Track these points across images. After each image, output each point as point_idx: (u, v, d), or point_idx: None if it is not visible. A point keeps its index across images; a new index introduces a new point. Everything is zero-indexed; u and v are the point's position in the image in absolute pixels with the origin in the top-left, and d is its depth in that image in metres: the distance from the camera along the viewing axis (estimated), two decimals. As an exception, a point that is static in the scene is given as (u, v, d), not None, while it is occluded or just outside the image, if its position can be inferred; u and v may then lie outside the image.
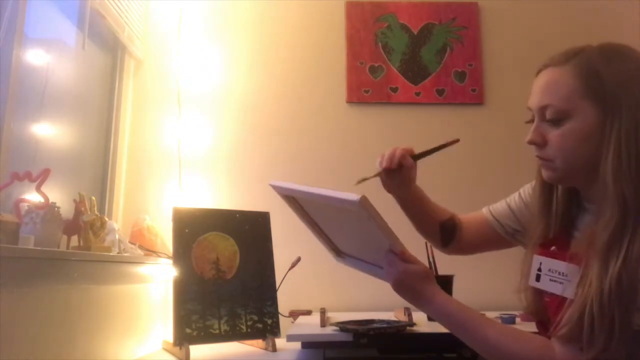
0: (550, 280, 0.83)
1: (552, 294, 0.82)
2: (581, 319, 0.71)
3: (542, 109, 0.80)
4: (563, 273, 0.81)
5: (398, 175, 1.01)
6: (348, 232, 0.96)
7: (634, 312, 0.69)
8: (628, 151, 0.72)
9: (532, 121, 0.84)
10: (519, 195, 1.03)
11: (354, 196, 0.76)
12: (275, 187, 1.00)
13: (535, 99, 0.82)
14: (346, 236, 1.00)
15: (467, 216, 1.10)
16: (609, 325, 0.69)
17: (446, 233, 1.06)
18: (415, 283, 0.83)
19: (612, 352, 0.69)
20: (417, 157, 1.03)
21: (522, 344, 0.78)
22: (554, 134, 0.79)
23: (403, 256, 0.83)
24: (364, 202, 0.76)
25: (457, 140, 1.04)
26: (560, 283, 0.81)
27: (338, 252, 1.05)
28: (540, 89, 0.81)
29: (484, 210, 1.08)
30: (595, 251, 0.73)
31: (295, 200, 1.00)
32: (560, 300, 0.79)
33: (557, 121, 0.78)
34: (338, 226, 0.98)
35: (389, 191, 1.06)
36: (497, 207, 1.06)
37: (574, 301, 0.74)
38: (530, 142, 0.83)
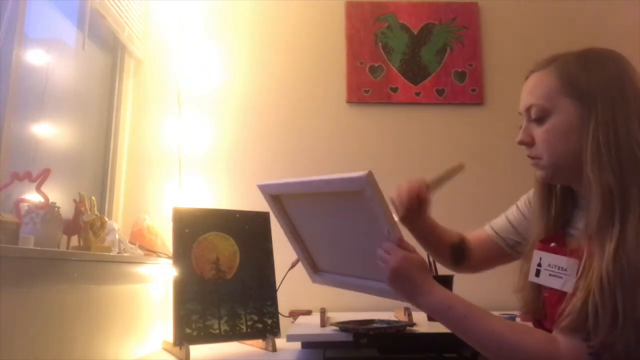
0: (550, 275, 0.83)
1: (551, 289, 0.83)
2: (584, 307, 0.72)
3: (528, 110, 0.86)
4: (563, 267, 0.82)
5: (416, 209, 1.03)
6: (336, 235, 0.93)
7: (638, 298, 0.69)
8: (607, 141, 0.76)
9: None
10: (516, 207, 1.05)
11: (359, 172, 0.76)
12: (262, 187, 0.99)
13: (522, 102, 0.88)
14: (332, 243, 0.97)
15: (473, 235, 1.12)
16: (612, 311, 0.69)
17: (456, 255, 1.09)
18: (415, 272, 0.82)
19: (618, 340, 0.69)
20: (432, 188, 1.05)
21: (527, 336, 0.78)
22: (539, 132, 0.84)
23: (402, 243, 0.82)
24: (369, 178, 0.75)
25: (462, 165, 1.08)
26: (560, 277, 0.82)
27: (315, 269, 1.04)
28: (526, 92, 0.87)
29: (486, 227, 1.10)
30: (592, 241, 0.75)
31: (280, 203, 0.98)
32: (560, 295, 0.80)
33: (540, 119, 0.84)
34: (324, 231, 0.95)
35: (404, 223, 1.06)
36: (498, 222, 1.09)
37: (576, 292, 0.75)
38: (520, 143, 0.87)
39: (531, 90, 0.86)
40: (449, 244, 1.09)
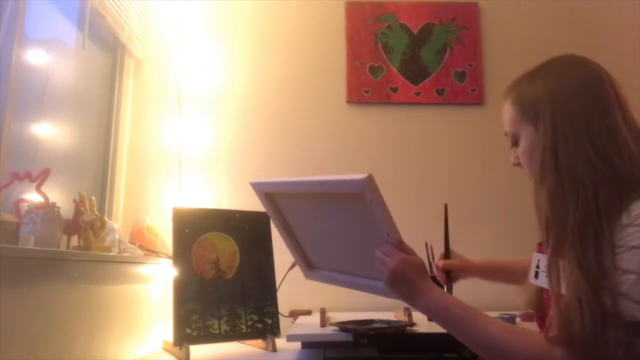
0: (547, 277, 0.83)
1: (549, 291, 0.83)
2: (567, 320, 0.72)
3: (506, 136, 0.92)
4: None
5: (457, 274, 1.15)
6: (331, 235, 0.93)
7: (618, 299, 0.69)
8: (545, 161, 0.79)
9: None
10: None
11: (359, 175, 0.75)
12: (255, 185, 0.97)
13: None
14: (327, 242, 0.96)
15: None
16: (590, 318, 0.69)
17: None
18: (413, 274, 0.82)
19: (608, 347, 0.69)
20: (447, 253, 1.14)
21: (522, 341, 0.78)
22: (517, 155, 0.89)
23: (401, 246, 0.82)
24: (370, 180, 0.75)
25: (446, 205, 1.19)
26: None
27: (309, 266, 1.03)
28: (502, 118, 0.93)
29: None
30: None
31: (273, 201, 0.97)
32: None
33: (515, 144, 0.90)
34: (319, 230, 0.95)
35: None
36: None
37: (561, 300, 0.75)
38: (512, 164, 0.93)
39: (503, 118, 0.92)
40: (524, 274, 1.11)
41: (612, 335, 0.69)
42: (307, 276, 1.05)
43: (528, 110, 0.84)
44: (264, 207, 1.01)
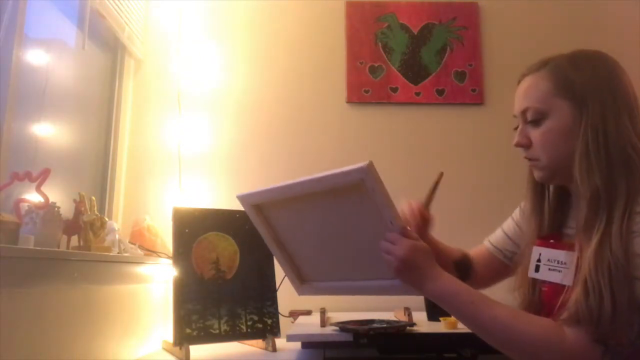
0: (550, 269, 0.85)
1: (550, 283, 0.85)
2: (585, 299, 0.73)
3: (524, 112, 0.87)
4: (562, 261, 0.84)
5: (422, 227, 1.02)
6: (328, 238, 0.90)
7: (635, 283, 0.71)
8: (596, 142, 0.79)
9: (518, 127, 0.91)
10: (511, 218, 1.07)
11: (359, 164, 0.75)
12: (243, 197, 0.93)
13: (517, 105, 0.89)
14: (324, 249, 0.93)
15: (473, 251, 1.12)
16: (602, 301, 0.71)
17: (462, 272, 1.07)
18: (422, 260, 0.81)
19: (618, 328, 0.70)
20: (427, 205, 1.05)
21: (531, 324, 0.78)
22: (536, 134, 0.86)
23: (406, 232, 0.81)
24: (371, 167, 0.75)
25: (442, 174, 1.08)
26: (559, 271, 0.84)
27: (302, 280, 1.00)
28: (520, 95, 0.89)
29: (485, 242, 1.11)
30: (582, 238, 0.78)
31: (262, 213, 0.94)
32: (559, 288, 0.82)
33: (537, 121, 0.85)
34: (315, 236, 0.92)
35: None
36: (494, 235, 1.10)
37: (575, 285, 0.76)
38: (517, 145, 0.89)
39: (525, 93, 0.87)
40: (452, 262, 1.08)
41: (626, 317, 0.70)
42: (300, 291, 1.01)
43: (572, 90, 0.82)
44: (253, 221, 0.98)
